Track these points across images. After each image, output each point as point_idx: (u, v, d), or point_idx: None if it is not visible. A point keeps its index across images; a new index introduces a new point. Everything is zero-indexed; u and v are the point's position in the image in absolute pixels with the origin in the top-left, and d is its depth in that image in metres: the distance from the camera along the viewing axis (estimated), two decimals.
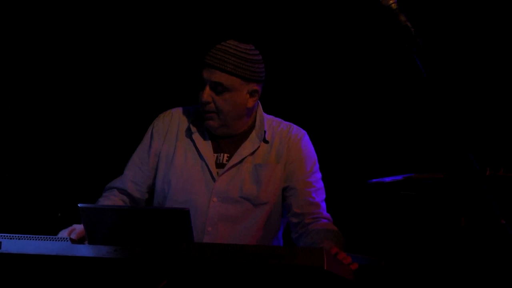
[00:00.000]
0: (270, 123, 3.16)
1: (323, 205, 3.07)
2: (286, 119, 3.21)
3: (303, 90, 4.10)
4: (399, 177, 2.87)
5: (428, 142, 3.83)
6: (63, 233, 2.77)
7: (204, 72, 3.00)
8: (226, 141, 3.11)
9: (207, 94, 3.00)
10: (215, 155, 3.10)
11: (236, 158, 3.07)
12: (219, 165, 3.08)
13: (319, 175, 3.13)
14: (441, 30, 3.83)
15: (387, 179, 2.91)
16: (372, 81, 4.00)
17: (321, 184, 3.12)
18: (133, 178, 3.14)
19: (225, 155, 3.10)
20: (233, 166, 3.06)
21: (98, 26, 4.18)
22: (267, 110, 3.22)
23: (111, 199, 3.10)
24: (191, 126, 3.14)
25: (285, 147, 3.10)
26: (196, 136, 3.12)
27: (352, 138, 4.04)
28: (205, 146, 3.10)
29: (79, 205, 2.42)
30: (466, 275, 2.89)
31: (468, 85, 3.85)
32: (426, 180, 2.84)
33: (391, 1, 2.26)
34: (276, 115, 3.23)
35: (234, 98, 3.01)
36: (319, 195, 3.08)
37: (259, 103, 3.14)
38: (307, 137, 3.16)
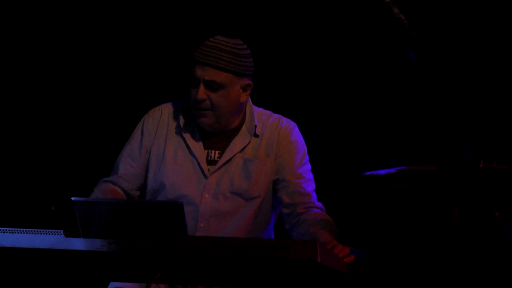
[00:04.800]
0: (260, 117, 3.15)
1: (314, 194, 3.08)
2: (281, 113, 3.20)
3: (298, 83, 4.09)
4: (393, 170, 2.87)
5: (421, 135, 3.83)
6: None
7: (197, 70, 2.98)
8: (217, 137, 3.10)
9: (202, 92, 2.98)
10: (206, 151, 3.09)
11: (227, 155, 3.07)
12: (210, 161, 3.08)
13: (308, 166, 3.13)
14: (434, 23, 3.83)
15: (381, 172, 2.91)
16: (365, 74, 3.99)
17: (311, 176, 3.12)
18: (124, 175, 3.12)
19: (216, 152, 3.09)
20: (225, 163, 3.06)
21: (85, 23, 4.16)
22: (260, 103, 3.22)
23: (104, 190, 3.09)
24: (181, 122, 3.13)
25: (275, 140, 3.10)
26: (186, 133, 3.11)
27: (346, 131, 4.04)
28: (196, 143, 3.09)
29: (72, 198, 2.42)
30: (460, 267, 2.90)
31: (462, 77, 3.86)
32: (420, 172, 2.84)
33: None
34: (270, 108, 3.22)
35: (229, 94, 3.00)
36: (309, 186, 3.09)
37: (249, 96, 3.13)
38: (296, 129, 3.16)
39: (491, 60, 3.84)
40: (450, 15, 3.86)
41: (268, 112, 3.19)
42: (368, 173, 2.96)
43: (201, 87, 2.98)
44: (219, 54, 2.96)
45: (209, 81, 2.97)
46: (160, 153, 3.11)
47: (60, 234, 2.36)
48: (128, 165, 3.14)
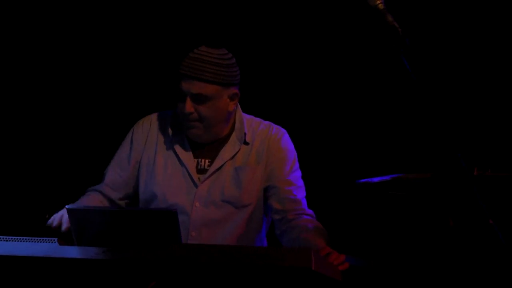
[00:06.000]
0: (250, 124, 3.15)
1: (304, 201, 3.09)
2: (276, 120, 3.20)
3: (293, 89, 4.10)
4: (387, 177, 2.87)
5: (416, 142, 3.84)
6: (56, 217, 2.79)
7: (183, 84, 2.98)
8: (207, 146, 3.10)
9: (189, 105, 2.98)
10: (196, 160, 3.09)
11: (217, 163, 3.07)
12: (200, 170, 3.08)
13: (299, 173, 3.14)
14: (428, 30, 3.84)
15: (375, 179, 2.91)
16: (360, 81, 4.00)
17: (301, 182, 3.13)
18: (111, 183, 3.13)
19: (206, 160, 3.09)
20: (215, 171, 3.06)
21: (73, 32, 4.16)
22: (254, 110, 3.21)
23: (91, 197, 3.10)
24: (170, 132, 3.13)
25: (265, 147, 3.10)
26: (176, 142, 3.11)
27: (340, 138, 4.04)
28: (185, 152, 3.09)
29: (66, 206, 2.42)
30: (455, 274, 2.90)
31: (456, 85, 3.86)
32: (414, 180, 2.84)
33: (378, 1, 2.25)
34: (265, 115, 3.22)
35: (216, 104, 3.00)
36: (300, 193, 3.09)
37: (238, 104, 3.13)
38: (286, 136, 3.16)
39: (486, 68, 3.85)
40: (444, 23, 3.87)
41: (258, 120, 3.19)
42: (362, 180, 2.97)
43: (188, 101, 2.98)
44: (204, 67, 2.96)
45: (196, 95, 2.97)
46: (151, 163, 3.11)
47: (54, 242, 2.36)
48: (116, 174, 3.14)
